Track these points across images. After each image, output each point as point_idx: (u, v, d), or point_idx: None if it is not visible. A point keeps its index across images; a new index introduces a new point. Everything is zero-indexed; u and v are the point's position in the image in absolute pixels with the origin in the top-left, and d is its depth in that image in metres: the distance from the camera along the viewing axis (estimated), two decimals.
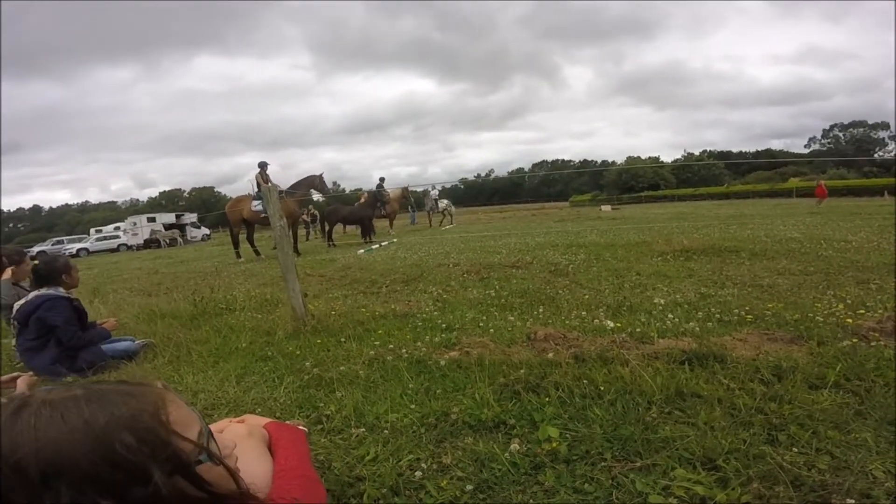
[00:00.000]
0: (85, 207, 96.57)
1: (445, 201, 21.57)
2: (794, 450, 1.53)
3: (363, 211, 14.07)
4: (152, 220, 34.00)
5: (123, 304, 5.47)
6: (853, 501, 1.27)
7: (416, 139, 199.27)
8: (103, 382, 0.70)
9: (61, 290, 3.17)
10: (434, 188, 21.26)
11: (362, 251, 10.17)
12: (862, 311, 2.95)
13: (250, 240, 11.68)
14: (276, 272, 6.94)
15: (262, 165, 11.05)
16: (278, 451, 1.11)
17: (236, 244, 11.49)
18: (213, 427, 1.28)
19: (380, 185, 15.54)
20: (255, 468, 0.99)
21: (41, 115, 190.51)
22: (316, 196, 13.43)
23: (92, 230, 35.56)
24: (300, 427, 1.79)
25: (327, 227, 14.37)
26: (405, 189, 17.74)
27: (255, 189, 11.05)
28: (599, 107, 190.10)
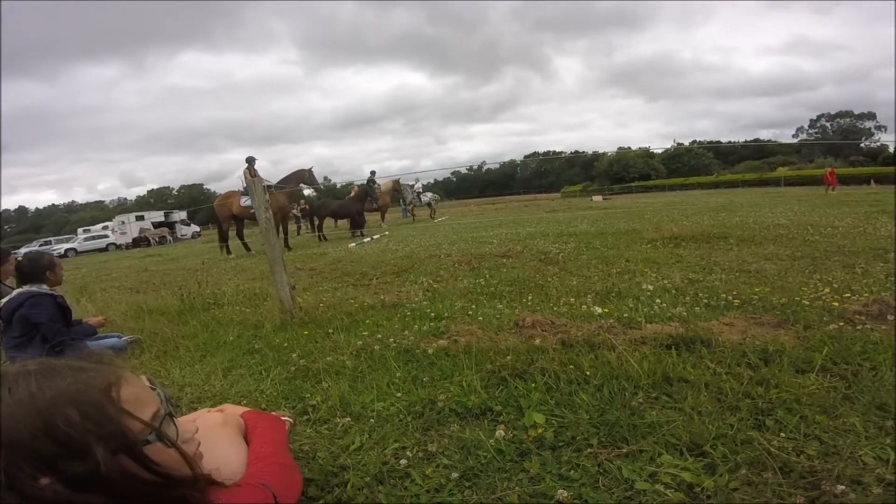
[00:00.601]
0: (72, 207, 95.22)
1: (429, 194, 21.05)
2: (782, 435, 1.52)
3: (352, 205, 14.02)
4: (141, 218, 33.67)
5: (111, 302, 5.41)
6: (844, 487, 1.25)
7: (407, 133, 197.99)
8: (62, 359, 0.69)
9: (45, 288, 3.11)
10: (417, 181, 20.45)
11: (353, 245, 10.12)
12: (848, 295, 2.97)
13: (240, 235, 11.60)
14: (265, 267, 6.87)
15: (250, 161, 10.94)
16: (254, 438, 1.09)
17: (224, 240, 11.40)
18: (189, 416, 1.26)
19: (371, 179, 15.45)
20: (228, 455, 0.98)
21: (26, 115, 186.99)
22: (307, 191, 13.36)
23: (80, 230, 35.07)
24: (286, 418, 1.77)
25: (317, 222, 14.30)
26: (396, 182, 17.64)
27: (244, 185, 10.95)
28: (591, 98, 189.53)
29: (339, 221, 16.96)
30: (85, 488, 0.58)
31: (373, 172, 15.94)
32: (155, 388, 0.74)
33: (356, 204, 14.08)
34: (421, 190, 20.66)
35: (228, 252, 10.92)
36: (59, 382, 0.61)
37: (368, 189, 14.60)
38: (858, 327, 2.39)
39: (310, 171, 11.48)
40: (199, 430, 1.06)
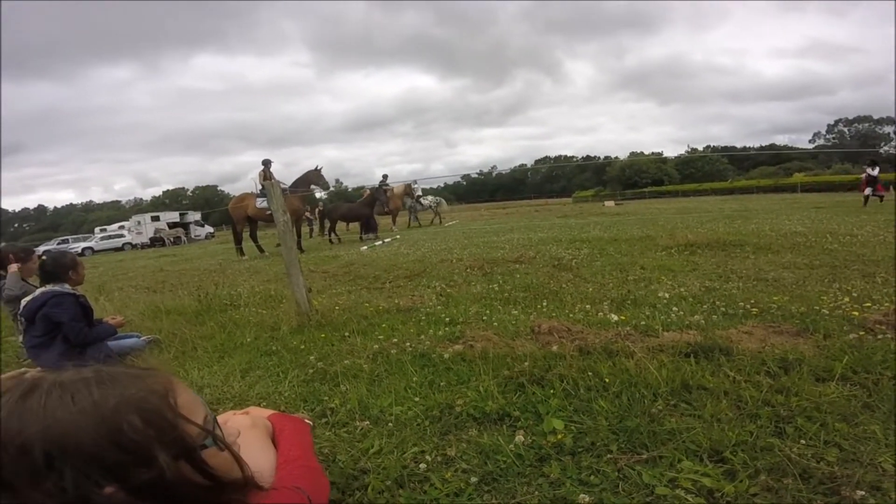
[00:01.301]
0: (89, 207, 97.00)
1: (430, 198, 20.27)
2: (802, 442, 1.52)
3: (362, 209, 14.09)
4: (156, 218, 34.16)
5: (129, 302, 5.50)
6: (863, 493, 1.25)
7: (418, 136, 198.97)
8: (114, 366, 0.70)
9: (67, 287, 3.17)
10: (415, 183, 19.39)
11: (365, 248, 10.18)
12: (868, 304, 2.93)
13: (254, 237, 11.71)
14: (279, 269, 6.96)
15: (266, 163, 11.06)
16: (281, 441, 1.11)
17: (238, 241, 11.51)
18: (219, 418, 1.29)
19: (383, 182, 15.52)
20: (258, 458, 0.99)
21: (43, 115, 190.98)
22: (319, 193, 13.40)
23: (96, 229, 35.74)
24: (305, 420, 1.79)
25: (328, 224, 14.40)
26: (408, 186, 17.66)
27: (260, 187, 11.06)
28: (602, 102, 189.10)
29: (350, 224, 17.01)
30: (147, 496, 0.58)
31: (385, 176, 16.02)
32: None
33: (366, 207, 14.17)
34: (420, 193, 19.77)
35: (242, 254, 11.04)
36: (121, 390, 0.62)
37: (377, 193, 14.67)
38: (879, 337, 2.36)
39: (318, 171, 11.47)
40: (228, 432, 1.09)
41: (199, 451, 0.65)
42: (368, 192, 15.09)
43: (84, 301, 3.24)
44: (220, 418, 1.29)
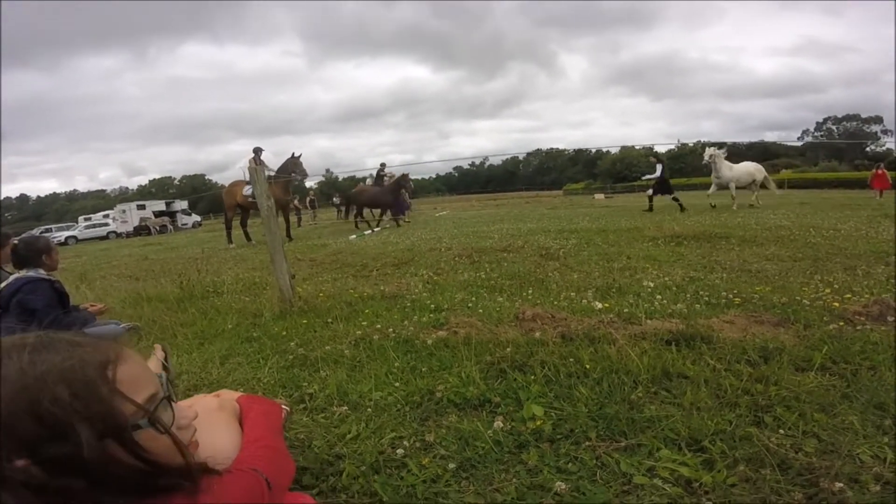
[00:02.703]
0: (73, 196, 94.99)
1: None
2: (781, 432, 1.51)
3: (386, 196, 13.84)
4: (142, 207, 33.65)
5: (110, 290, 5.40)
6: (841, 485, 1.25)
7: (410, 127, 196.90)
8: (62, 334, 0.65)
9: (42, 272, 3.09)
10: (382, 165, 17.30)
11: (353, 237, 10.11)
12: (849, 296, 2.95)
13: (243, 224, 11.53)
14: (266, 257, 6.85)
15: (257, 151, 10.88)
16: (247, 423, 1.08)
17: (229, 228, 11.37)
18: (185, 402, 1.25)
19: (380, 172, 15.22)
20: (222, 440, 0.97)
21: (27, 104, 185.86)
22: (310, 183, 13.12)
23: (80, 218, 35.09)
24: (282, 406, 1.76)
25: (354, 210, 14.07)
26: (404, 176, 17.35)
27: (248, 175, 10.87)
28: (595, 96, 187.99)
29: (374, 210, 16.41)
30: (64, 472, 0.54)
31: (383, 165, 15.73)
32: (167, 367, 0.71)
33: (390, 194, 13.95)
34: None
35: (231, 241, 10.91)
36: (53, 357, 0.58)
37: (402, 180, 14.41)
38: (858, 327, 2.38)
39: (295, 158, 11.06)
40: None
41: (129, 431, 0.60)
42: (389, 179, 14.64)
43: (59, 287, 3.16)
44: (188, 401, 1.26)
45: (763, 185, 13.21)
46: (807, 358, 2.02)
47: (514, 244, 6.24)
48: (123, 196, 79.56)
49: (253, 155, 10.87)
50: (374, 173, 15.50)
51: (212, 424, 0.99)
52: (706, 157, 12.41)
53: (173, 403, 0.72)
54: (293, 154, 11.06)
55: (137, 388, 0.64)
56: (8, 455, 0.52)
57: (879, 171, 16.50)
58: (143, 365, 0.69)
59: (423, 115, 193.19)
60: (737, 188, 12.20)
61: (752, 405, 1.68)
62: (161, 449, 0.64)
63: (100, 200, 74.91)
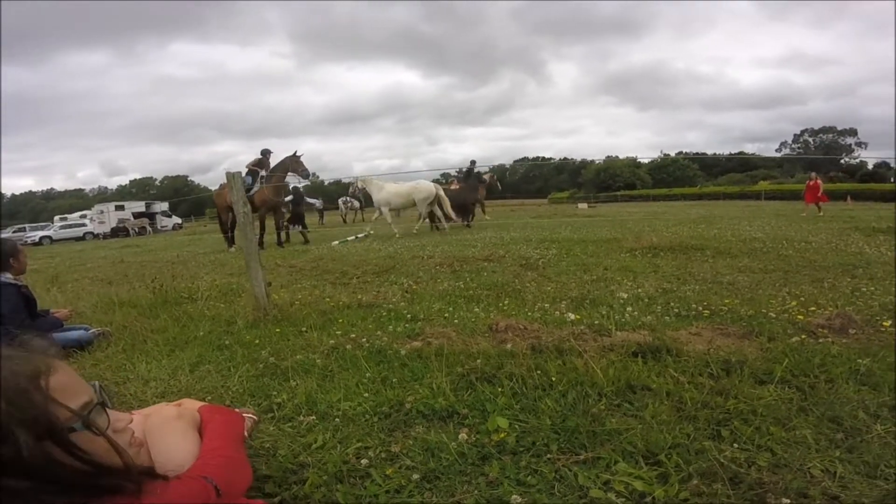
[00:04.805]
0: (50, 195, 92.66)
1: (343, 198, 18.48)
2: (736, 446, 1.53)
3: (468, 194, 13.23)
4: (121, 208, 33.05)
5: (82, 293, 5.30)
6: (789, 501, 1.27)
7: (399, 132, 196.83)
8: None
9: (9, 276, 3.02)
10: (355, 179, 14.83)
11: (336, 242, 10.06)
12: (813, 309, 3.04)
13: (232, 228, 11.16)
14: (244, 262, 6.81)
15: (265, 153, 10.65)
16: (207, 432, 1.09)
17: (225, 231, 10.86)
18: (145, 410, 1.25)
19: (472, 167, 14.59)
20: (177, 448, 0.99)
21: (8, 99, 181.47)
22: (303, 183, 12.59)
23: (56, 217, 34.29)
24: (249, 415, 1.76)
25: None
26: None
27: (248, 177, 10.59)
28: (584, 105, 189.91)
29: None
30: (8, 472, 0.59)
31: (473, 162, 15.18)
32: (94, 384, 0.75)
33: (471, 194, 13.50)
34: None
35: (230, 245, 10.43)
36: None
37: (480, 178, 14.04)
38: (820, 340, 2.45)
39: (296, 157, 10.48)
40: (153, 423, 1.06)
41: (65, 433, 0.65)
42: (460, 180, 13.96)
43: (26, 291, 3.09)
44: (148, 409, 1.26)
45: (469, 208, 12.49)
46: (767, 371, 2.06)
47: (495, 253, 6.28)
48: (102, 196, 77.91)
49: (261, 157, 10.75)
50: (462, 170, 14.77)
51: (167, 433, 1.02)
52: (358, 186, 12.29)
53: (108, 409, 0.76)
54: (295, 153, 10.60)
55: (71, 395, 0.69)
56: None
57: (812, 183, 14.37)
58: (74, 375, 0.74)
59: (412, 121, 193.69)
60: (391, 210, 11.69)
61: (711, 418, 1.70)
62: (100, 451, 0.69)
63: (77, 200, 73.25)
